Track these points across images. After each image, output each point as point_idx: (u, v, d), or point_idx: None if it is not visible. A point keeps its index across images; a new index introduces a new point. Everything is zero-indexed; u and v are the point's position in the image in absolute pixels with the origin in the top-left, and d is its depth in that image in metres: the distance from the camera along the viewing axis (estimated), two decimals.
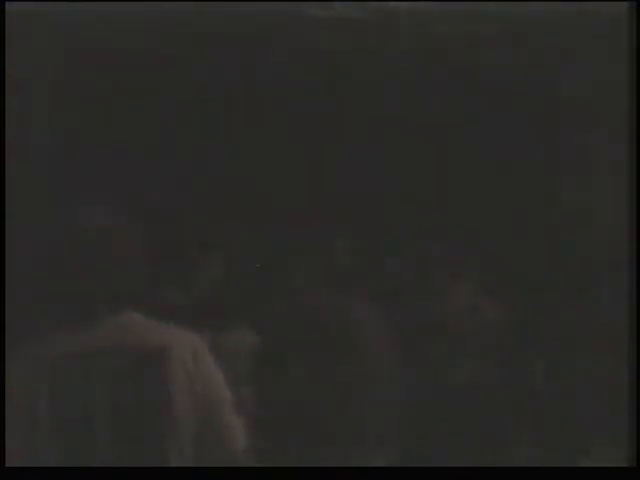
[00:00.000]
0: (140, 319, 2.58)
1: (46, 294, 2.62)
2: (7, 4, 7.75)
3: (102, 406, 2.41)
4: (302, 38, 6.12)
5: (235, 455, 2.45)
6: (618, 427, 3.50)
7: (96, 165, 6.69)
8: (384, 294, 5.05)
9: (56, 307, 2.60)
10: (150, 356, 2.46)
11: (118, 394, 2.42)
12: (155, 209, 6.61)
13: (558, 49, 6.14)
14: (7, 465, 2.33)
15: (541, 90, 6.52)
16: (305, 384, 1.38)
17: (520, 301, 4.99)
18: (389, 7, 5.86)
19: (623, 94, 5.08)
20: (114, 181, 6.71)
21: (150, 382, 2.45)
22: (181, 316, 2.82)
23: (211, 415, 2.50)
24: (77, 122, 6.59)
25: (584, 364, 4.14)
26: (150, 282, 2.75)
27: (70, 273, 2.53)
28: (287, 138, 7.29)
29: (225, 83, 6.99)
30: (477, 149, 6.95)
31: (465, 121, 6.91)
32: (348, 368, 1.41)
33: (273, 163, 7.39)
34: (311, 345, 1.43)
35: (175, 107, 7.11)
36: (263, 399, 1.42)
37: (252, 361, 1.58)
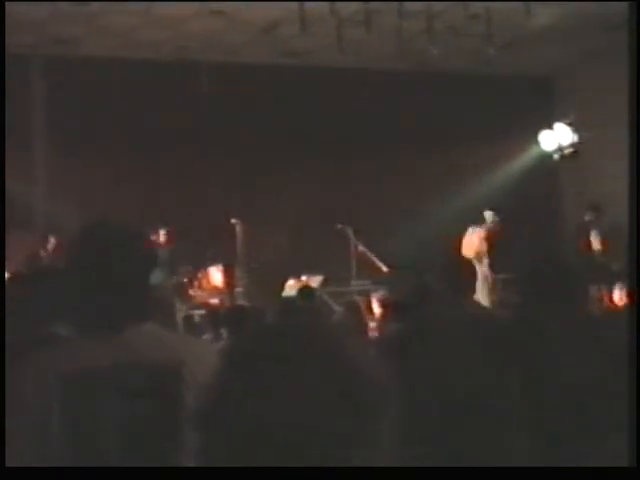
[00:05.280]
0: (157, 330, 2.58)
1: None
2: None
3: (116, 420, 2.39)
4: None
5: None
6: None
7: None
8: None
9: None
10: (167, 369, 2.45)
11: (134, 408, 2.40)
12: None
13: None
14: (7, 465, 2.32)
15: None
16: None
17: None
18: None
19: None
20: None
21: (166, 395, 2.43)
22: None
23: None
24: None
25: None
26: None
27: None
28: None
29: None
30: None
31: None
32: None
33: None
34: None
35: None
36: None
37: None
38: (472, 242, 13.14)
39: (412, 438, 1.49)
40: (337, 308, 10.58)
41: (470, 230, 13.24)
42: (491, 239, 12.95)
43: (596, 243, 12.21)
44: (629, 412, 3.34)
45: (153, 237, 12.40)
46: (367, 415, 1.38)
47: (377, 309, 8.84)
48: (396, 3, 10.76)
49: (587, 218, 12.73)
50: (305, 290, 10.36)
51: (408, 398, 1.50)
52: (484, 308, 6.43)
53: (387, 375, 1.46)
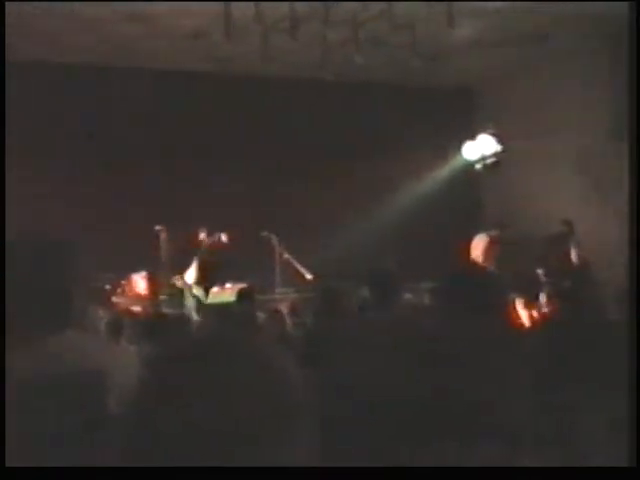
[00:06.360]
0: (78, 338, 2.56)
1: None
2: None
3: (37, 429, 2.37)
4: None
5: None
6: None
7: None
8: None
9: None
10: (89, 376, 2.43)
11: (55, 416, 2.38)
12: None
13: None
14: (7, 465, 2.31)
15: None
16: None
17: None
18: None
19: None
20: None
21: (88, 403, 2.42)
22: None
23: None
24: None
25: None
26: None
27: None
28: None
29: None
30: None
31: None
32: None
33: None
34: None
35: None
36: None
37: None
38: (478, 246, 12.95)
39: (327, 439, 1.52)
40: (260, 315, 10.58)
41: (477, 238, 13.06)
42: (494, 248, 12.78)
43: (574, 256, 12.22)
44: (629, 412, 3.39)
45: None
46: (286, 417, 1.41)
47: (286, 315, 8.93)
48: (321, 13, 10.78)
49: (561, 230, 12.62)
50: (245, 292, 10.35)
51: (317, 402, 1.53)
52: (407, 317, 6.51)
53: (303, 379, 1.48)
